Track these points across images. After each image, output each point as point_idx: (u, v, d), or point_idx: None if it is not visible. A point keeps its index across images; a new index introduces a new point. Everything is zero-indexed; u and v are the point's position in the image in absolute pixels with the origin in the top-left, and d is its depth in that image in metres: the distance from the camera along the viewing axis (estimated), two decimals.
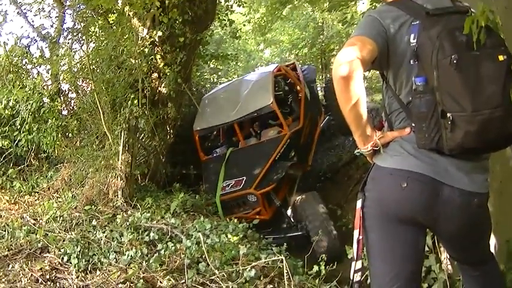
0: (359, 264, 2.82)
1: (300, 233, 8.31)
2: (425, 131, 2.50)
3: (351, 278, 2.85)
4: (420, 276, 2.93)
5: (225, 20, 13.67)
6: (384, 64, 2.71)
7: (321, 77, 24.33)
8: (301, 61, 25.84)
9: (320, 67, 24.88)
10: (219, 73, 20.79)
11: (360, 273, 2.83)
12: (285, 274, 4.58)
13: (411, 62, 2.59)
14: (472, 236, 2.83)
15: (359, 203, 2.79)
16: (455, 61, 2.37)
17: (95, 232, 6.06)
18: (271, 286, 5.06)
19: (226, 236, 6.03)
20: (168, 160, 10.02)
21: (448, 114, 2.41)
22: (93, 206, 6.88)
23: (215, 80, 19.23)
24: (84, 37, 8.65)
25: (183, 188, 8.95)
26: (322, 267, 5.00)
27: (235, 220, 7.07)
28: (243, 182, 9.10)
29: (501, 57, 2.41)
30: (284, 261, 4.73)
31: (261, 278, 5.13)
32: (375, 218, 2.73)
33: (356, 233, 2.78)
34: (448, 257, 4.04)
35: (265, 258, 5.45)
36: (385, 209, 2.69)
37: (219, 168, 9.66)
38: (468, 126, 2.38)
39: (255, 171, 9.23)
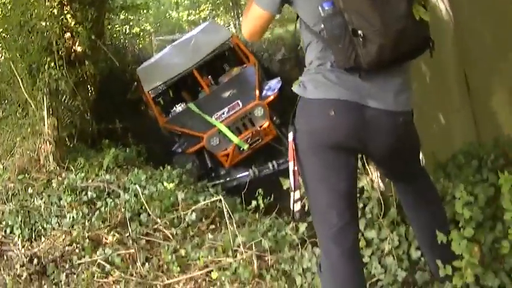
0: (297, 194, 2.89)
1: None
2: (341, 51, 2.58)
3: (291, 208, 2.94)
4: (356, 198, 3.06)
5: None
6: (290, 3, 2.84)
7: (234, 24, 24.03)
8: (213, 9, 25.60)
9: (232, 14, 24.58)
10: (131, 23, 20.37)
11: (299, 203, 2.92)
12: (225, 213, 4.75)
13: None
14: (402, 154, 2.96)
15: (290, 136, 2.86)
16: None
17: (32, 200, 6.09)
18: (213, 226, 5.24)
19: (163, 184, 6.10)
20: (93, 118, 9.95)
21: (359, 32, 2.49)
22: (26, 175, 6.83)
23: (127, 31, 18.85)
24: None
25: (112, 143, 8.94)
26: (261, 201, 5.13)
27: (169, 167, 7.11)
28: (240, 102, 9.03)
29: None
30: (223, 201, 4.89)
31: (203, 220, 5.31)
32: (307, 148, 2.81)
33: (291, 164, 2.86)
34: (379, 175, 4.25)
35: (203, 200, 5.58)
36: (314, 138, 2.78)
37: (193, 115, 9.48)
38: (382, 40, 2.48)
39: (248, 90, 9.22)
